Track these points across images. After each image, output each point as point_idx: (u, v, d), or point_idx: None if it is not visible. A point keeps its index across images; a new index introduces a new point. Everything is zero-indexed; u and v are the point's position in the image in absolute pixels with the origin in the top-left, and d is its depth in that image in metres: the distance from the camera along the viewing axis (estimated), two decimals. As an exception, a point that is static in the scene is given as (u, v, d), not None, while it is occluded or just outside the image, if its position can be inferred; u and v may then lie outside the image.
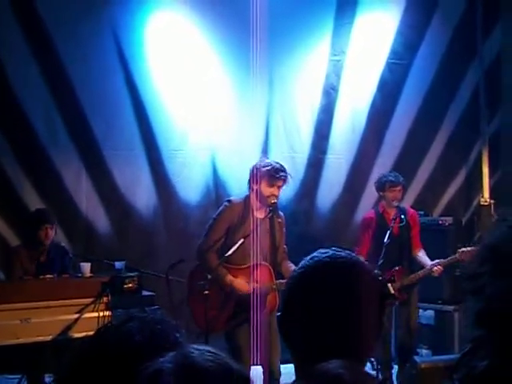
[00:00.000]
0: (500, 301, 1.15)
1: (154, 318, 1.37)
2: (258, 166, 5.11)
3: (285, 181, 5.09)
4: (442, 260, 5.96)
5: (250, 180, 5.16)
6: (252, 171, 5.14)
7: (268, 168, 5.06)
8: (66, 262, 5.85)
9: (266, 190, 5.04)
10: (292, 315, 1.56)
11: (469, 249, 5.78)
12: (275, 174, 5.03)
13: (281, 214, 5.31)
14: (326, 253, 1.59)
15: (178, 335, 1.35)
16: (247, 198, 5.16)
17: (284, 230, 5.33)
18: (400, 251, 6.01)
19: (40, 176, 6.56)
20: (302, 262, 1.61)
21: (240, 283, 5.03)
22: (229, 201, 5.25)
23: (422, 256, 6.13)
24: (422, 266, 6.07)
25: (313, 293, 1.53)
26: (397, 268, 5.92)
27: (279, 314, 1.61)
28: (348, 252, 1.61)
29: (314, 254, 1.61)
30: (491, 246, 1.23)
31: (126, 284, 5.29)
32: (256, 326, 4.30)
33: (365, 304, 1.50)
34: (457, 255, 5.84)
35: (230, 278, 5.02)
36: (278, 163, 5.17)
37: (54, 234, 5.83)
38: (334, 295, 1.51)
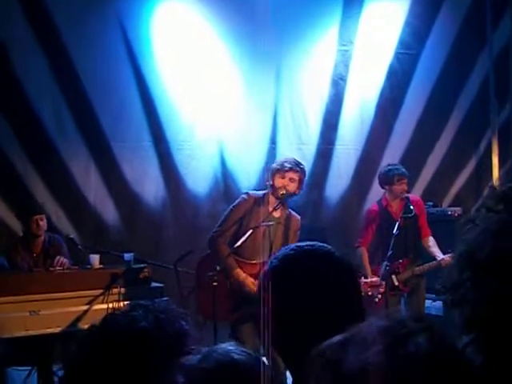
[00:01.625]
0: (485, 306, 1.14)
1: (158, 306, 1.38)
2: (274, 163, 5.27)
3: (296, 173, 5.11)
4: (450, 254, 5.92)
5: (267, 178, 5.27)
6: (269, 167, 5.32)
7: (281, 161, 5.20)
8: (63, 251, 5.83)
9: (279, 181, 5.09)
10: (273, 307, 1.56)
11: None
12: (286, 165, 5.10)
13: (297, 215, 5.32)
14: (289, 247, 1.61)
15: (183, 323, 1.35)
16: (266, 194, 5.19)
17: (298, 232, 5.32)
18: (406, 243, 5.97)
19: (48, 169, 6.57)
20: (276, 256, 1.61)
21: (248, 282, 5.00)
22: (247, 193, 5.30)
23: (432, 246, 6.06)
24: (431, 257, 6.03)
25: (282, 287, 1.52)
26: (400, 260, 5.89)
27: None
28: (314, 243, 1.62)
29: (288, 247, 1.62)
30: (467, 253, 1.22)
31: (136, 275, 5.29)
32: (263, 321, 4.29)
33: (339, 292, 1.51)
34: None
35: (238, 271, 5.00)
36: (293, 159, 5.27)
37: (47, 224, 5.81)
38: (302, 287, 1.50)
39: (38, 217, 5.70)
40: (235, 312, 4.99)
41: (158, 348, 1.28)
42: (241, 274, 5.01)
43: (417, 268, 5.95)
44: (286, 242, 5.12)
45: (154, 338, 1.29)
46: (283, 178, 5.08)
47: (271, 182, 5.15)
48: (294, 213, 5.28)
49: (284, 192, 5.07)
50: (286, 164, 5.11)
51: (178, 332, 1.33)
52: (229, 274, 4.99)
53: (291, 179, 5.11)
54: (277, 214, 5.14)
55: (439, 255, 5.91)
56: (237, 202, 5.24)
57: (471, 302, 1.14)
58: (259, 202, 5.14)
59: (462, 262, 1.20)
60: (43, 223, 5.74)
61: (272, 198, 5.14)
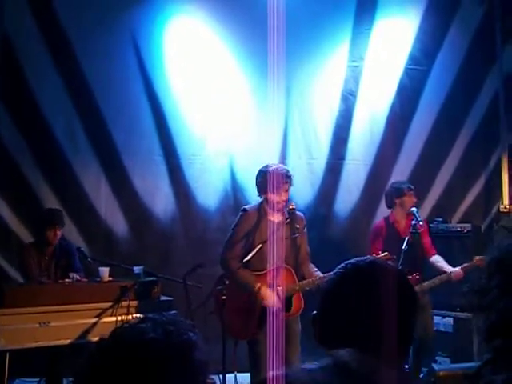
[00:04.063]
0: None
1: (166, 318, 1.40)
2: (259, 177, 5.14)
3: (289, 183, 5.09)
4: (461, 267, 5.91)
5: (258, 190, 5.19)
6: (258, 183, 5.16)
7: (271, 176, 5.03)
8: (73, 261, 5.89)
9: (274, 197, 5.06)
10: (329, 316, 1.60)
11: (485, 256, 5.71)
12: (280, 181, 5.00)
13: (300, 214, 5.29)
14: (364, 259, 1.67)
15: (191, 334, 1.38)
16: (261, 205, 5.17)
17: (305, 230, 5.31)
18: (413, 259, 5.95)
19: (60, 181, 6.63)
20: (341, 265, 1.68)
21: (269, 295, 4.99)
22: (244, 210, 5.24)
23: (439, 261, 6.09)
24: (439, 272, 6.03)
25: (350, 295, 1.59)
26: (410, 276, 5.87)
27: (315, 312, 1.66)
28: (386, 260, 1.68)
29: (352, 260, 1.68)
30: (497, 259, 1.23)
31: (145, 289, 5.31)
32: (277, 329, 4.28)
33: (400, 308, 1.55)
34: (474, 261, 5.79)
35: (258, 286, 4.99)
36: (279, 167, 5.16)
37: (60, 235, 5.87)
38: (371, 299, 1.54)
39: (58, 227, 5.77)
40: (263, 325, 4.95)
41: (166, 359, 1.31)
42: (262, 288, 4.98)
43: (426, 283, 5.93)
44: (293, 242, 5.13)
45: (162, 349, 1.31)
46: (279, 193, 5.04)
47: (264, 196, 5.10)
48: (297, 212, 5.22)
49: (293, 207, 5.09)
50: (284, 180, 5.02)
51: (186, 343, 1.35)
52: (250, 290, 4.98)
53: (286, 190, 5.09)
54: (278, 219, 5.14)
55: (448, 268, 5.94)
56: (237, 220, 5.20)
57: (498, 309, 1.15)
58: (258, 214, 5.11)
59: (491, 268, 1.21)
60: (60, 233, 5.81)
61: (269, 209, 5.10)
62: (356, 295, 1.58)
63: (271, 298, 4.97)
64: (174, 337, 1.34)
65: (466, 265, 5.89)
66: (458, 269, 5.89)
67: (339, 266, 1.68)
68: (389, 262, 1.74)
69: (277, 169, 5.10)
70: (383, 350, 1.51)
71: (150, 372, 1.28)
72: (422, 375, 5.97)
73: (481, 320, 1.22)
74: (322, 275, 5.05)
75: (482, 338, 1.22)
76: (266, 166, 5.14)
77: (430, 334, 6.16)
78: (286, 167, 5.24)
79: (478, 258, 5.77)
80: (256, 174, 5.19)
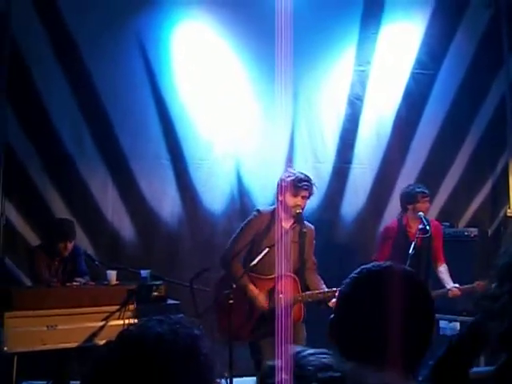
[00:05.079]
0: None
1: (171, 318, 1.42)
2: (284, 177, 5.14)
3: (309, 191, 5.08)
4: (460, 286, 5.86)
5: (276, 192, 5.20)
6: (278, 183, 5.17)
7: (292, 178, 5.07)
8: (79, 264, 5.91)
9: (291, 200, 5.05)
10: (345, 320, 1.61)
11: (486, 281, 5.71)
12: (298, 184, 5.03)
13: (310, 225, 5.30)
14: (381, 264, 1.69)
15: (196, 330, 1.39)
16: (275, 209, 5.18)
17: (314, 242, 5.32)
18: (419, 263, 5.92)
19: (67, 185, 6.66)
20: (357, 271, 1.69)
21: (260, 299, 5.03)
22: (258, 210, 5.26)
23: (443, 272, 6.05)
24: (441, 284, 5.99)
25: (364, 300, 1.60)
26: None
27: (332, 316, 1.67)
28: (403, 266, 1.69)
29: (369, 265, 1.70)
30: (508, 265, 1.23)
31: (152, 292, 5.33)
32: (280, 337, 4.28)
33: (415, 313, 1.56)
34: (474, 285, 5.71)
35: (251, 288, 5.03)
36: (302, 173, 5.16)
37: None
38: (385, 304, 1.55)
39: (69, 241, 5.78)
40: (256, 330, 4.98)
41: (173, 353, 1.32)
42: (254, 291, 5.02)
43: None
44: (301, 251, 5.13)
45: (169, 343, 1.32)
46: (296, 196, 5.04)
47: (281, 198, 5.12)
48: (307, 223, 5.24)
49: (299, 211, 5.08)
50: (303, 184, 5.05)
51: (192, 337, 1.37)
52: (244, 291, 5.01)
53: (303, 197, 5.10)
54: (287, 226, 5.14)
55: (449, 284, 5.90)
56: (248, 219, 5.23)
57: (510, 314, 1.15)
58: (271, 218, 5.13)
59: (502, 274, 1.21)
60: (71, 245, 5.82)
61: (281, 212, 5.12)
62: (370, 300, 1.59)
63: (261, 300, 4.98)
64: (180, 332, 1.37)
65: (465, 286, 5.83)
66: (456, 289, 5.84)
67: (355, 271, 1.69)
68: (406, 268, 1.73)
69: (301, 174, 5.15)
70: (394, 358, 1.51)
71: (158, 367, 1.29)
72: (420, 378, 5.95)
73: (492, 325, 1.22)
74: (326, 290, 5.04)
75: (493, 342, 1.22)
76: (290, 171, 5.23)
77: None
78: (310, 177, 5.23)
79: (478, 282, 5.67)
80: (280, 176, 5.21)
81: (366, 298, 1.60)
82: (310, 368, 1.10)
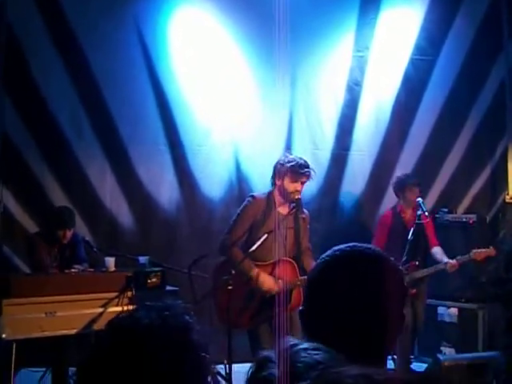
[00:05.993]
0: None
1: (160, 305, 1.41)
2: (282, 162, 5.07)
3: (309, 176, 5.05)
4: (456, 258, 6.07)
5: (273, 175, 5.15)
6: (276, 167, 5.13)
7: (292, 163, 5.01)
8: (78, 251, 5.91)
9: (290, 185, 5.01)
10: (314, 307, 1.57)
11: (482, 250, 5.99)
12: (299, 170, 4.98)
13: (305, 211, 5.28)
14: (347, 246, 1.63)
15: (187, 317, 1.39)
16: (270, 194, 5.14)
17: (308, 226, 5.30)
18: (416, 247, 6.05)
19: (65, 171, 6.64)
20: (324, 255, 1.64)
21: (268, 280, 4.99)
22: (252, 196, 5.22)
23: (438, 253, 6.29)
24: (437, 262, 6.20)
25: (335, 284, 1.56)
26: (408, 264, 5.92)
27: (301, 307, 1.62)
28: (369, 245, 1.64)
29: (335, 247, 1.63)
30: None
31: (150, 279, 5.34)
32: (280, 323, 4.28)
33: (388, 296, 1.52)
34: (470, 254, 6.00)
35: (256, 271, 4.98)
36: (301, 159, 5.11)
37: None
38: (357, 286, 1.53)
39: (68, 228, 5.79)
40: (255, 317, 4.98)
41: (163, 343, 1.32)
42: (260, 274, 4.99)
43: (421, 270, 6.03)
44: (296, 236, 5.12)
45: (158, 334, 1.32)
46: (295, 181, 5.01)
47: (279, 183, 5.09)
48: (301, 207, 5.21)
49: (298, 196, 5.05)
50: (305, 170, 5.01)
51: (182, 326, 1.37)
52: (247, 275, 4.97)
53: (302, 183, 5.07)
54: (284, 212, 5.13)
55: (445, 259, 6.12)
56: (243, 206, 5.18)
57: None
58: (266, 203, 5.10)
59: (509, 259, 1.21)
60: (70, 233, 5.82)
61: (278, 197, 5.10)
62: (341, 282, 1.55)
63: (269, 282, 4.97)
64: (169, 321, 1.36)
65: (462, 258, 6.08)
66: (453, 261, 6.07)
67: (325, 254, 1.65)
68: (372, 247, 1.68)
69: (300, 159, 5.09)
70: (366, 340, 1.49)
71: (148, 358, 1.29)
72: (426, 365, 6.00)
73: (497, 309, 1.21)
74: None
75: (503, 326, 1.22)
76: (289, 156, 5.14)
77: (419, 323, 6.24)
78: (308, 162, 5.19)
79: (474, 251, 5.93)
80: (277, 160, 5.15)
81: (334, 280, 1.56)
82: (299, 365, 1.10)
